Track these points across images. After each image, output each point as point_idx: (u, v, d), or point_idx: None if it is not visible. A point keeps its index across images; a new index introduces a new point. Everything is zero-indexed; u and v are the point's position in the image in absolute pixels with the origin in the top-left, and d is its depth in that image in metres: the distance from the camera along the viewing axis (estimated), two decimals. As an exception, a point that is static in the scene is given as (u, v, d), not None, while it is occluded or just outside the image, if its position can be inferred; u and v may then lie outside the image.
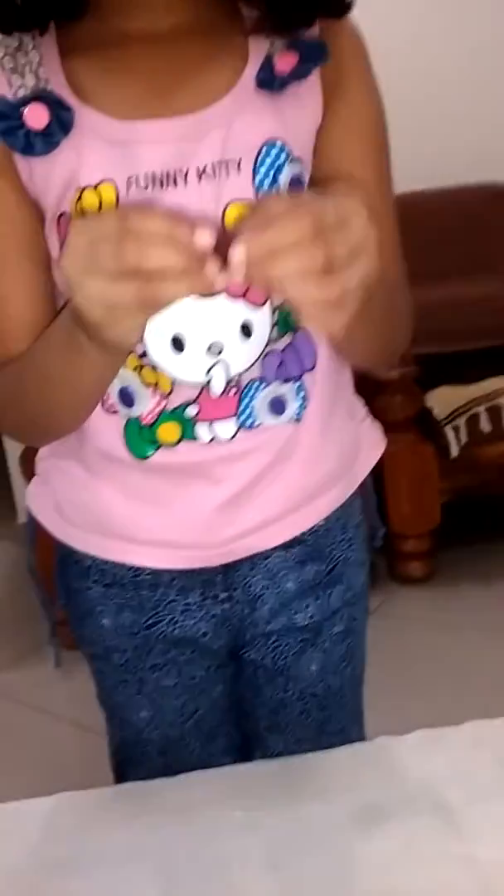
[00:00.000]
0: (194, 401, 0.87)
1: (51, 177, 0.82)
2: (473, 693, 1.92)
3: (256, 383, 0.88)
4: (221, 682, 1.03)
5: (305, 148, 0.85)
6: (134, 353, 0.85)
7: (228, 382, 0.87)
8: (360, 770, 0.93)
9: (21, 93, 0.81)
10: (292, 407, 0.91)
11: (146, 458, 0.90)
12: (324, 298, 0.66)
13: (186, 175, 0.81)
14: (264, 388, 0.89)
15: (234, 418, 0.89)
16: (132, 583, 0.97)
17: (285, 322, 0.88)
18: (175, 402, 0.87)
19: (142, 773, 1.00)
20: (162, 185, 0.81)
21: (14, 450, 2.91)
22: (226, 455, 0.90)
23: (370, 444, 1.03)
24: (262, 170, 0.82)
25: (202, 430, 0.89)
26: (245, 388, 0.88)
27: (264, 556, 0.97)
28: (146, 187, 0.81)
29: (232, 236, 0.66)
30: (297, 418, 0.92)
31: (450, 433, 2.45)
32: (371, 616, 1.08)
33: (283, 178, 0.83)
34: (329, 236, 0.65)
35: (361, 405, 1.04)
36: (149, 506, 0.93)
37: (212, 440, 0.89)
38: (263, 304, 0.85)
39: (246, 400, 0.89)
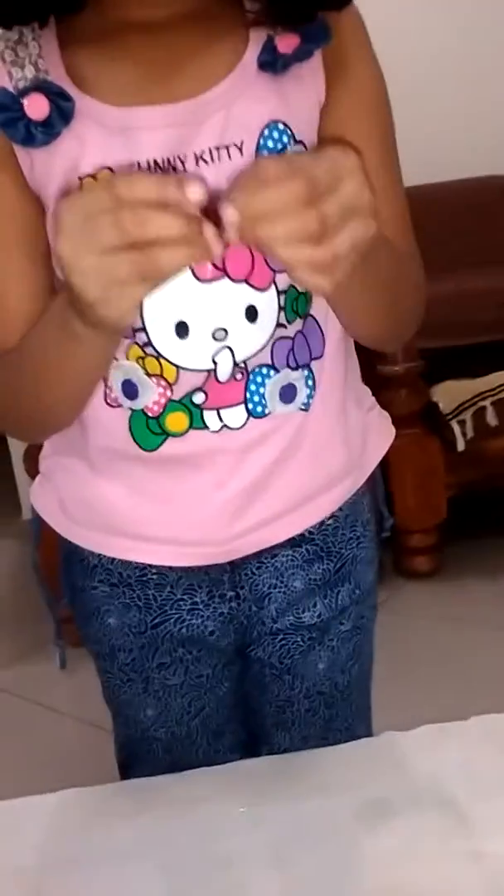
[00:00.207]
0: (200, 388, 0.86)
1: (52, 168, 0.82)
2: (479, 688, 1.91)
3: (266, 370, 0.88)
4: (228, 680, 1.02)
5: (309, 129, 0.85)
6: (136, 343, 0.85)
7: (235, 366, 0.86)
8: (365, 765, 0.92)
9: (21, 84, 0.81)
10: (302, 395, 0.91)
11: (155, 449, 0.89)
12: (316, 260, 0.65)
13: (187, 161, 0.81)
14: (275, 374, 0.88)
15: (243, 406, 0.88)
16: (138, 582, 0.97)
17: (294, 308, 0.87)
18: (181, 390, 0.87)
19: (147, 771, 1.00)
20: (163, 171, 0.80)
21: (18, 447, 2.91)
22: (236, 444, 0.89)
23: (379, 433, 1.02)
24: (265, 152, 0.82)
25: (211, 419, 0.88)
26: (252, 374, 0.87)
27: (272, 554, 0.97)
28: None
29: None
30: (306, 406, 0.91)
31: (456, 427, 2.45)
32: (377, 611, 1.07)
33: None
34: (322, 198, 0.64)
35: (369, 394, 1.03)
36: (154, 502, 0.92)
37: (221, 429, 0.88)
38: (268, 287, 0.85)
39: (254, 387, 0.88)
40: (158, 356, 0.85)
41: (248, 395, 0.88)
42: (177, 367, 0.86)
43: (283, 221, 0.64)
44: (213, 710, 1.03)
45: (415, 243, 0.92)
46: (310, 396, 0.91)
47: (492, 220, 2.94)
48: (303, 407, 0.91)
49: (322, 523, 0.98)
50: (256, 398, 0.88)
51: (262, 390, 0.88)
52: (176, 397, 0.87)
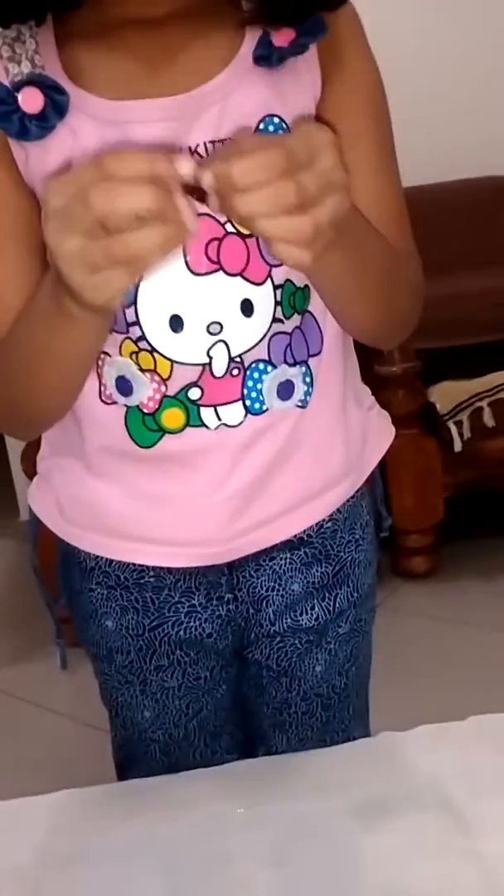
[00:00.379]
0: (195, 383, 0.86)
1: (46, 161, 0.81)
2: (476, 688, 1.91)
3: (263, 365, 0.88)
4: (225, 682, 1.02)
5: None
6: (130, 338, 0.85)
7: (231, 361, 0.86)
8: (363, 765, 0.92)
9: (16, 79, 0.81)
10: (299, 391, 0.90)
11: (152, 445, 0.89)
12: (295, 232, 0.65)
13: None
14: (272, 370, 0.88)
15: (241, 402, 0.88)
16: (136, 584, 0.97)
17: (291, 303, 0.87)
18: (175, 385, 0.86)
19: (144, 772, 1.00)
20: None
21: (15, 448, 2.91)
22: (234, 442, 0.89)
23: (378, 433, 1.02)
24: None
25: (208, 416, 0.87)
26: (249, 369, 0.87)
27: (270, 557, 0.97)
28: None
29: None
30: (303, 404, 0.91)
31: (453, 428, 2.45)
32: (374, 612, 1.08)
33: None
34: (300, 170, 0.64)
35: (369, 394, 1.03)
36: (152, 503, 0.92)
37: (219, 427, 0.88)
38: (264, 281, 0.85)
39: (251, 383, 0.88)
40: (152, 350, 0.85)
41: (245, 392, 0.88)
42: (171, 360, 0.85)
43: (261, 192, 0.64)
44: (210, 712, 1.03)
45: (413, 242, 0.91)
46: (307, 393, 0.91)
47: (490, 220, 2.94)
48: (300, 404, 0.91)
49: (321, 526, 0.98)
50: (254, 394, 0.88)
51: (259, 386, 0.88)
52: (171, 393, 0.87)
